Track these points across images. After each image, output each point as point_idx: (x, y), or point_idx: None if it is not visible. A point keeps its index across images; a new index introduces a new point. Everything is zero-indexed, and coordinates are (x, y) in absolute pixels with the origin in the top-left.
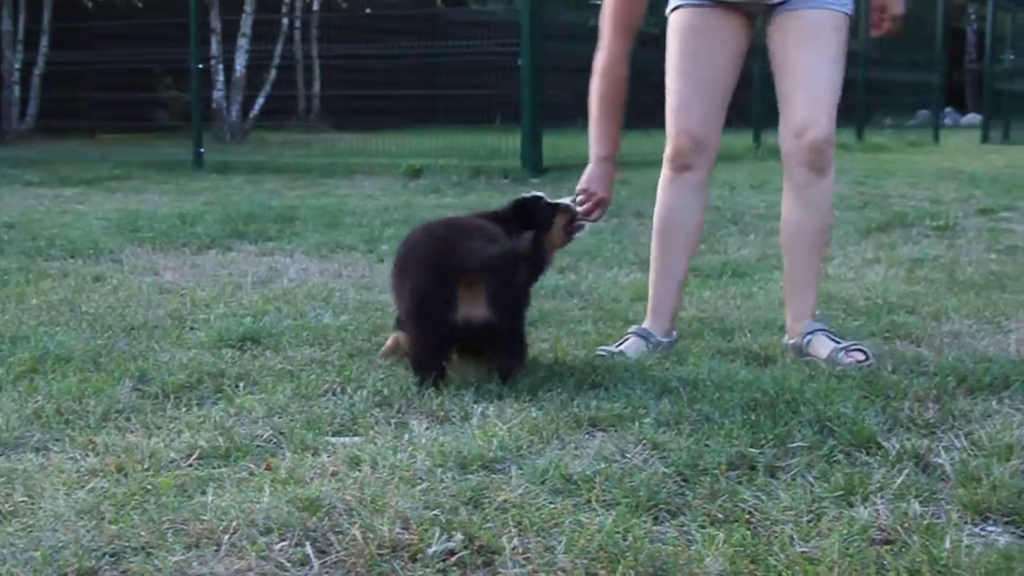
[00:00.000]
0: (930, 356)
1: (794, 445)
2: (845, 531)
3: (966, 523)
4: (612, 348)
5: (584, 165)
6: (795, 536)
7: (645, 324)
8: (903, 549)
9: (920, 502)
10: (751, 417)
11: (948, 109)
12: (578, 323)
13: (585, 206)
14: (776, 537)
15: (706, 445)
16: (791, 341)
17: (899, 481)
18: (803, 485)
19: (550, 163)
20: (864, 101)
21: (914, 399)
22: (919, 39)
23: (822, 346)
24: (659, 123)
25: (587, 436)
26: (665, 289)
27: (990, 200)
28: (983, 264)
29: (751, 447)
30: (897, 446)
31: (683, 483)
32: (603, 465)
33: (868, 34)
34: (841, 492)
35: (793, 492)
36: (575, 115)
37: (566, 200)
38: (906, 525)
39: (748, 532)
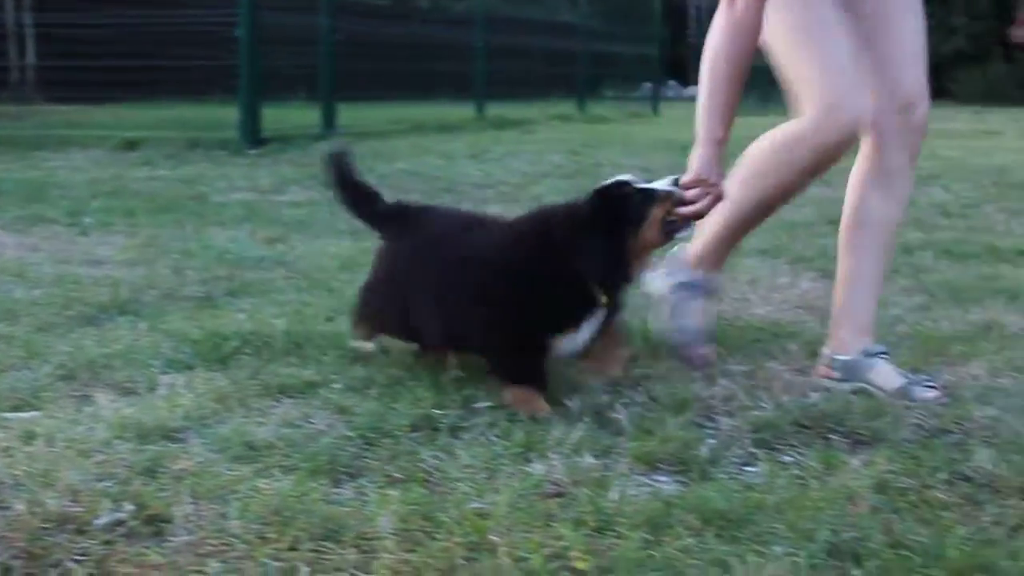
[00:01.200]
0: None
1: (479, 406)
2: (518, 486)
3: (636, 474)
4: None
5: (304, 136)
6: (470, 493)
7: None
8: (571, 501)
9: (594, 456)
10: (439, 380)
11: (672, 82)
12: (281, 292)
13: (703, 202)
14: (451, 495)
15: (392, 408)
16: (842, 357)
17: (576, 437)
18: (484, 444)
19: (271, 134)
20: (587, 73)
21: None
22: (642, 13)
23: (890, 376)
24: (405, 96)
25: (274, 403)
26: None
27: None
28: None
29: (436, 409)
30: (579, 404)
31: (366, 446)
32: (287, 431)
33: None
34: (520, 449)
35: (473, 451)
36: (295, 87)
37: (665, 183)
38: (577, 478)
39: (425, 491)
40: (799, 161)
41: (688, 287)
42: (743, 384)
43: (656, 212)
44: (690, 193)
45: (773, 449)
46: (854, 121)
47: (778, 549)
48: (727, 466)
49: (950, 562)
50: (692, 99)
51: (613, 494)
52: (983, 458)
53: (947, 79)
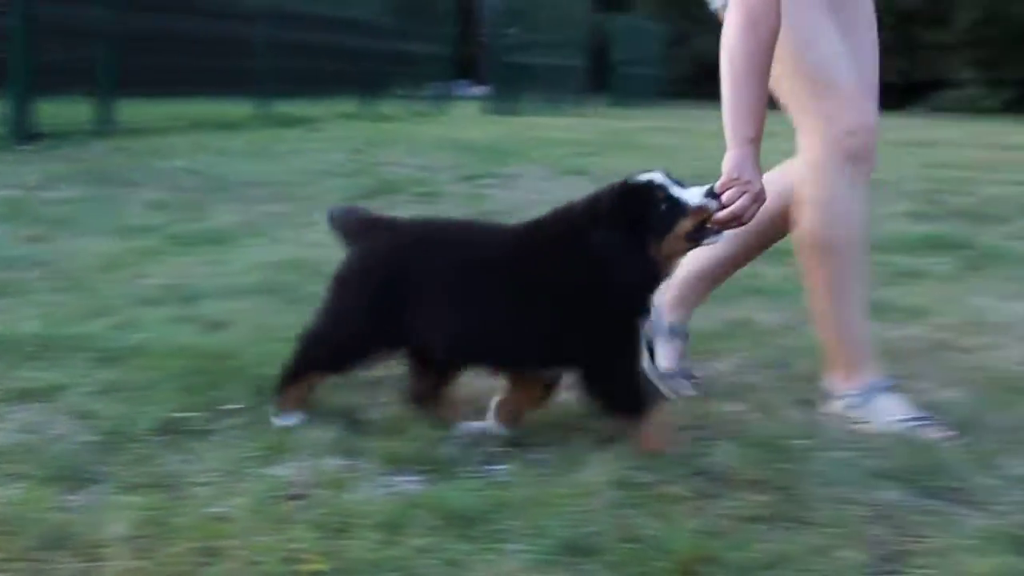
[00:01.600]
0: None
1: (229, 408)
2: (260, 489)
3: (381, 474)
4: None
5: (80, 132)
6: (210, 497)
7: (871, 377)
8: (312, 503)
9: (341, 457)
10: (191, 382)
11: (463, 81)
12: (36, 293)
13: (740, 201)
14: (190, 499)
15: (140, 411)
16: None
17: (325, 438)
18: (231, 447)
19: (45, 130)
20: (376, 70)
21: None
22: (434, 12)
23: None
24: (182, 91)
25: (15, 408)
26: (866, 325)
27: (478, 167)
28: None
29: (185, 411)
30: (333, 405)
31: (108, 451)
32: (24, 436)
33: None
34: (266, 452)
35: (219, 454)
36: (73, 81)
37: (699, 192)
38: (320, 480)
39: (164, 496)
40: (852, 182)
41: None
42: (497, 383)
43: (684, 225)
44: (726, 195)
45: (520, 447)
46: (865, 134)
47: (514, 546)
48: (473, 465)
49: (678, 555)
50: (479, 98)
51: (355, 495)
52: (722, 453)
53: None
